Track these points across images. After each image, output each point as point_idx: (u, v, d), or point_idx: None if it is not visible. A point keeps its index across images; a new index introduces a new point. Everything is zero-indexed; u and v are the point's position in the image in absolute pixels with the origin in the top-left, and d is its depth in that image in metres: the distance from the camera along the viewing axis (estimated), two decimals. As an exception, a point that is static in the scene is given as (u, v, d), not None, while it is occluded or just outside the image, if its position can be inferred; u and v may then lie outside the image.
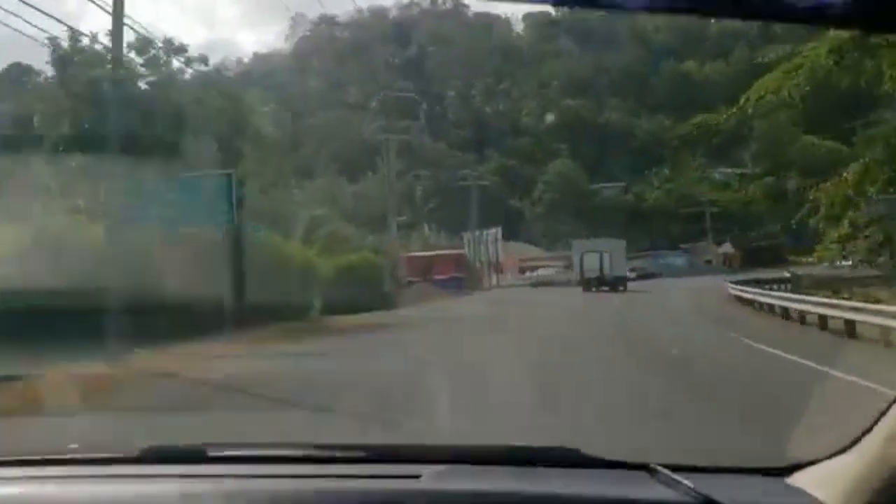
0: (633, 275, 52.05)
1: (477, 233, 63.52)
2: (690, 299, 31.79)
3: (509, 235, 74.78)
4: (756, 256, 71.49)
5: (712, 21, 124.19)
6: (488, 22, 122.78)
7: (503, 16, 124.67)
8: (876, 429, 1.52)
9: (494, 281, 61.37)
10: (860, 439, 1.56)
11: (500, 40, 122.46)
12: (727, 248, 74.55)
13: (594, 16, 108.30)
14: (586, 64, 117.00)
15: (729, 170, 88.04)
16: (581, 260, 44.57)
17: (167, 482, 1.86)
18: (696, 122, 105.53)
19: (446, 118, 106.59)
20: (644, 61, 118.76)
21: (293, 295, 26.51)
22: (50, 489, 1.87)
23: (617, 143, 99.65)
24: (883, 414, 1.50)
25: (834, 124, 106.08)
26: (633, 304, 32.04)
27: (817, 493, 1.58)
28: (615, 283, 41.24)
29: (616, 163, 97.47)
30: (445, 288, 46.56)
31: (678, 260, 70.68)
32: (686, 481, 1.63)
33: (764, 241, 73.65)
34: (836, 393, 9.40)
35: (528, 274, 62.55)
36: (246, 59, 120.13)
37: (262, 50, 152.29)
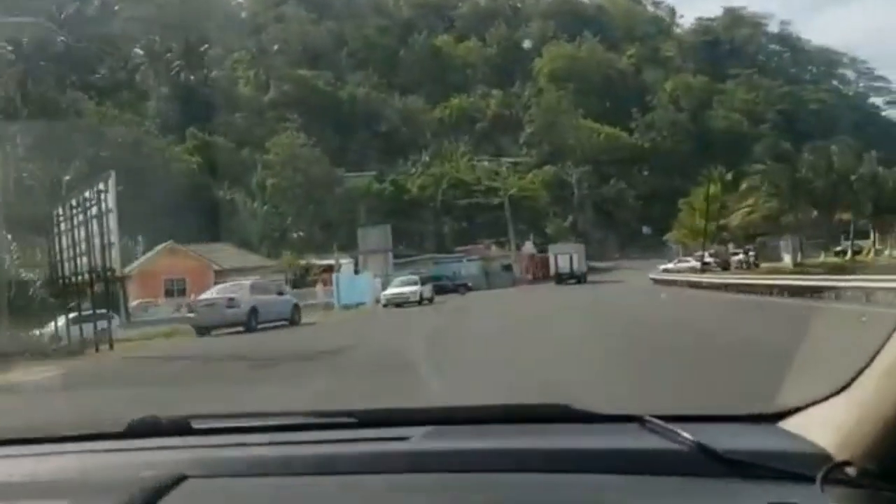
0: (415, 289, 35.08)
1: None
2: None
3: (213, 236, 50.13)
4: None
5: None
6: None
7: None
8: (869, 369, 1.49)
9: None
10: (854, 380, 1.53)
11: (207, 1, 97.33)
12: (529, 248, 55.17)
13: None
14: (322, 34, 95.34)
15: (504, 158, 70.19)
16: (555, 259, 50.95)
17: (153, 454, 1.83)
18: (455, 105, 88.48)
19: (134, 86, 78.59)
20: (390, 33, 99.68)
21: None
22: (35, 466, 1.84)
23: (365, 125, 78.27)
24: (877, 353, 1.47)
25: (611, 108, 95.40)
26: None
27: (812, 437, 1.56)
28: (580, 277, 49.16)
29: (365, 147, 75.99)
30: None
31: (470, 267, 50.00)
32: (678, 430, 1.62)
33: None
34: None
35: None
36: None
37: None
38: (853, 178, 45.76)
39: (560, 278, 48.53)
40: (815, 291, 21.61)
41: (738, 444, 1.58)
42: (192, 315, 24.59)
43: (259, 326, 23.24)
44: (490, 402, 2.11)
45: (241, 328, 23.00)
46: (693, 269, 43.97)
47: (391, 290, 35.15)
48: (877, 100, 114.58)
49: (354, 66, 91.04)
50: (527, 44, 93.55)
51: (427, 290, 35.63)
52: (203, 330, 23.37)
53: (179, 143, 68.96)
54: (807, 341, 6.16)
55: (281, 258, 46.12)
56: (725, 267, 44.11)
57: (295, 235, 55.95)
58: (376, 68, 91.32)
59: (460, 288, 43.63)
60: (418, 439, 1.78)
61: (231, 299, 23.50)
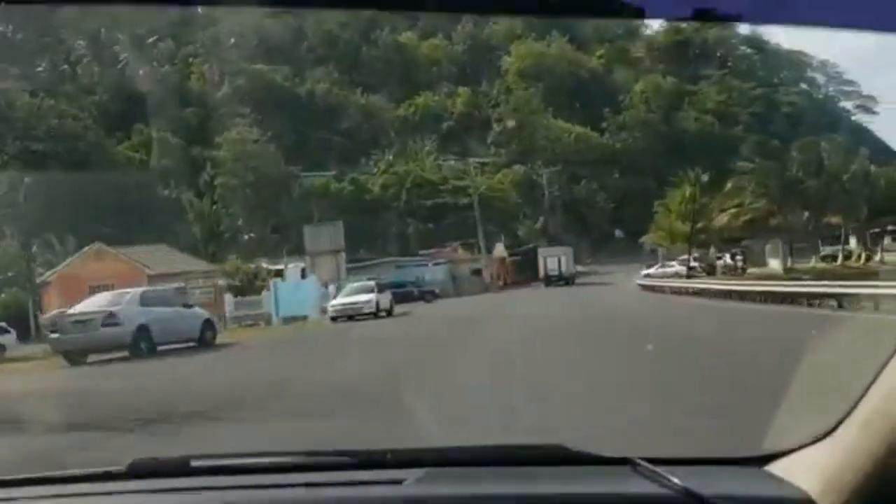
0: (370, 298, 29.96)
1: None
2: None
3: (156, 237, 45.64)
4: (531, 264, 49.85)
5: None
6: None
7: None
8: (853, 415, 1.52)
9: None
10: (838, 426, 1.56)
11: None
12: (501, 250, 51.56)
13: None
14: (280, 28, 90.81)
15: (472, 158, 66.59)
16: (544, 262, 51.29)
17: (156, 498, 1.87)
18: (420, 103, 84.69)
19: (77, 77, 73.55)
20: (352, 29, 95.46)
21: None
22: None
23: (325, 122, 74.06)
24: (860, 398, 1.50)
25: (582, 109, 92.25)
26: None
27: (796, 482, 1.59)
28: (568, 280, 50.16)
29: (325, 146, 71.80)
30: None
31: (436, 272, 46.07)
32: (667, 474, 1.65)
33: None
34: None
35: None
36: None
37: None
38: (845, 177, 42.77)
39: (549, 280, 49.41)
40: (812, 298, 19.82)
41: (725, 488, 1.60)
42: (55, 336, 18.79)
43: (160, 348, 17.97)
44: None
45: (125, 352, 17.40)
46: (678, 275, 40.75)
47: (340, 300, 30.07)
48: (847, 103, 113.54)
49: (314, 62, 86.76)
50: (493, 42, 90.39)
51: (385, 300, 30.71)
52: (75, 356, 17.71)
53: (125, 139, 64.33)
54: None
55: (226, 262, 41.76)
56: (710, 272, 40.88)
57: (246, 237, 51.69)
58: (337, 64, 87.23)
59: (426, 295, 39.59)
60: (412, 483, 1.76)
61: (110, 314, 18.08)
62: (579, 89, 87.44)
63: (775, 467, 1.69)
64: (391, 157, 68.49)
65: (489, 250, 50.13)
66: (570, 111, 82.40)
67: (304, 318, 30.88)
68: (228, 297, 34.20)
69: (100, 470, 2.01)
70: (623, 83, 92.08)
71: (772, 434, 3.59)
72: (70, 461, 5.79)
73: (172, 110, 69.16)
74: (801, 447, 1.67)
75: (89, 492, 1.92)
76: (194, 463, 1.97)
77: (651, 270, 45.33)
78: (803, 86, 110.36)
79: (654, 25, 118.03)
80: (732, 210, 44.41)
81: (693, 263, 41.77)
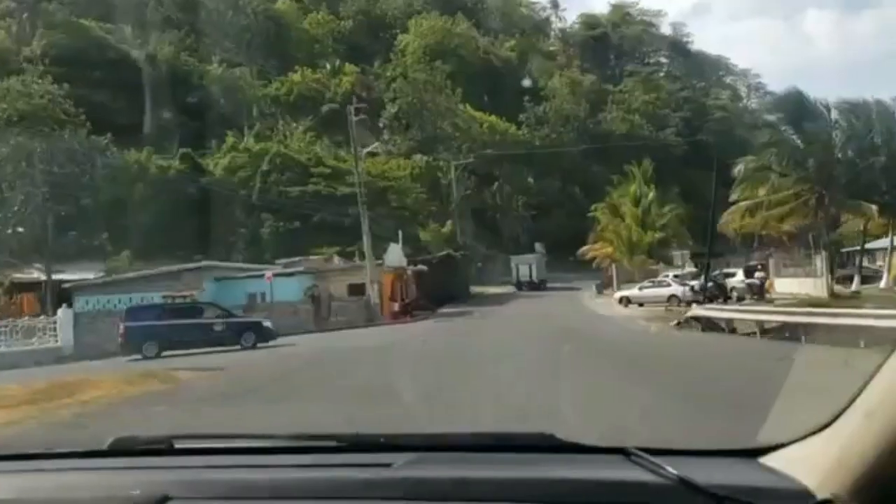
0: None
1: None
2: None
3: None
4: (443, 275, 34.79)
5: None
6: None
7: None
8: (851, 408, 1.51)
9: None
10: (836, 419, 1.55)
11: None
12: (396, 259, 35.44)
13: None
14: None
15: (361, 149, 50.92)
16: (516, 268, 52.08)
17: (136, 474, 1.81)
18: (295, 80, 68.51)
19: None
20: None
21: None
22: (17, 483, 1.83)
23: (163, 93, 56.71)
24: (858, 393, 1.49)
25: (494, 100, 78.12)
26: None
27: (793, 474, 1.56)
28: (539, 285, 50.75)
29: (166, 122, 54.51)
30: None
31: (285, 288, 29.18)
32: (661, 463, 1.62)
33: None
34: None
35: None
36: None
37: None
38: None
39: (520, 285, 50.18)
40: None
41: (720, 479, 1.56)
42: None
43: None
44: None
45: None
46: (675, 299, 26.59)
47: None
48: (770, 117, 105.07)
49: (164, 24, 69.18)
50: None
51: None
52: None
53: None
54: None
55: None
56: (722, 295, 26.55)
57: (10, 232, 34.57)
58: (194, 31, 69.99)
59: (246, 334, 22.63)
60: (402, 466, 1.72)
61: None
62: (491, 77, 73.44)
63: (772, 459, 1.65)
64: (252, 141, 51.79)
65: (378, 258, 33.30)
66: (481, 100, 68.14)
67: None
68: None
69: (81, 449, 1.97)
70: (539, 74, 79.05)
71: (767, 427, 3.35)
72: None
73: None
74: (797, 440, 1.62)
75: (69, 468, 1.88)
76: (177, 443, 1.92)
77: (632, 292, 30.94)
78: (724, 94, 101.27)
79: (569, 19, 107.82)
80: (744, 204, 30.31)
81: (689, 282, 27.80)
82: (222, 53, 69.15)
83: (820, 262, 27.68)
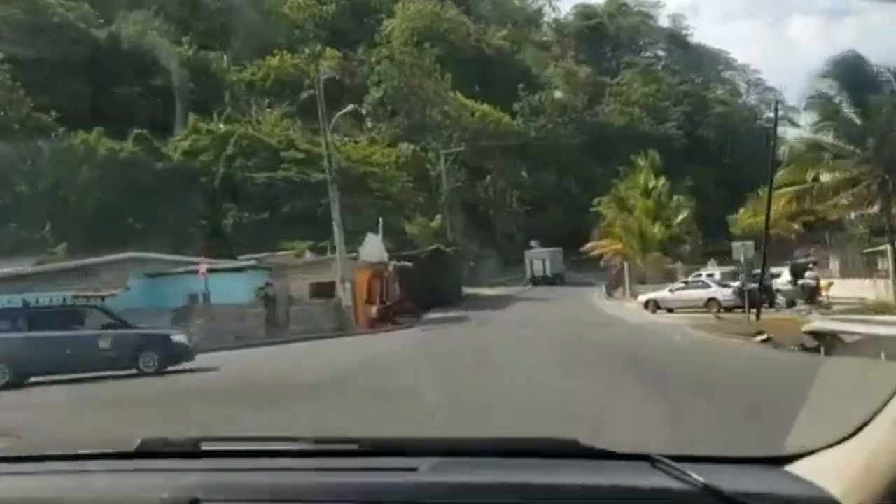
0: None
1: None
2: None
3: None
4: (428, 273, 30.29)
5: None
6: None
7: None
8: (879, 417, 1.50)
9: None
10: (863, 427, 1.53)
11: None
12: (375, 253, 30.60)
13: None
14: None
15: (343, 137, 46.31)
16: (531, 263, 50.53)
17: (164, 477, 1.81)
18: (272, 65, 63.73)
19: None
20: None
21: None
22: (45, 484, 1.83)
23: (125, 74, 51.86)
24: (887, 401, 1.47)
25: (486, 87, 73.70)
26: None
27: (819, 482, 1.54)
28: (554, 280, 49.14)
29: (129, 106, 49.54)
30: None
31: (237, 285, 24.17)
32: (686, 470, 1.60)
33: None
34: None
35: None
36: None
37: None
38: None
39: (535, 281, 49.10)
40: None
41: (745, 486, 1.55)
42: None
43: None
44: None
45: None
46: (714, 303, 22.22)
47: None
48: (770, 114, 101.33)
49: (130, 4, 64.37)
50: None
51: None
52: None
53: None
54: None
55: None
56: (770, 298, 22.12)
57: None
58: (163, 11, 65.20)
59: (146, 354, 16.10)
60: (426, 471, 1.71)
61: None
62: (483, 65, 68.99)
63: (798, 467, 1.63)
64: (222, 126, 46.93)
65: (353, 252, 28.11)
66: (472, 89, 63.67)
67: None
68: None
69: (109, 449, 1.97)
70: (533, 63, 74.77)
71: (794, 435, 3.34)
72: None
73: None
74: (823, 448, 1.60)
75: (96, 469, 1.87)
76: (204, 445, 1.93)
77: (663, 294, 26.41)
78: (723, 89, 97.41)
79: (563, 10, 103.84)
80: (790, 190, 25.78)
81: (731, 283, 23.36)
82: (194, 36, 64.72)
83: (891, 260, 23.41)
